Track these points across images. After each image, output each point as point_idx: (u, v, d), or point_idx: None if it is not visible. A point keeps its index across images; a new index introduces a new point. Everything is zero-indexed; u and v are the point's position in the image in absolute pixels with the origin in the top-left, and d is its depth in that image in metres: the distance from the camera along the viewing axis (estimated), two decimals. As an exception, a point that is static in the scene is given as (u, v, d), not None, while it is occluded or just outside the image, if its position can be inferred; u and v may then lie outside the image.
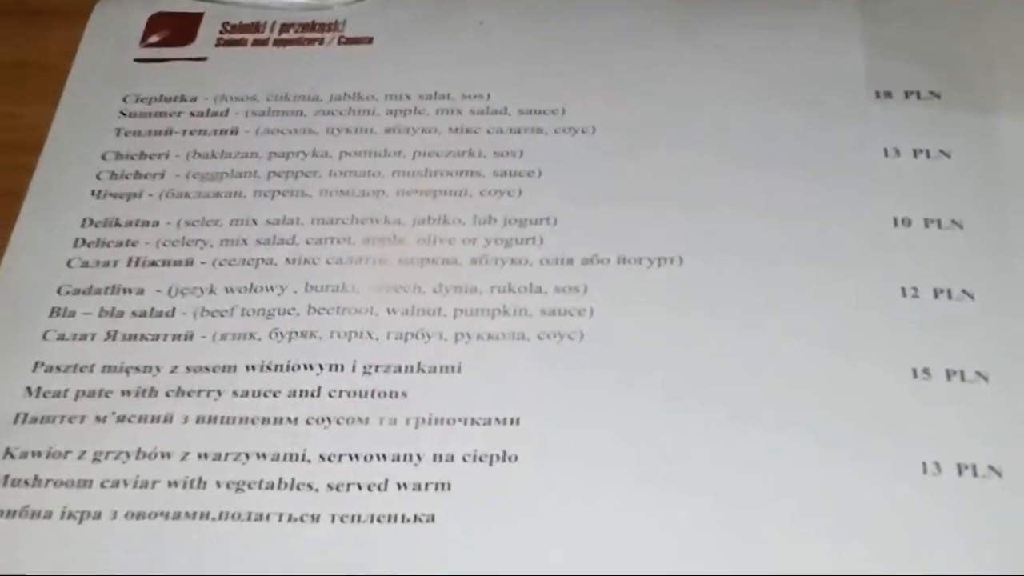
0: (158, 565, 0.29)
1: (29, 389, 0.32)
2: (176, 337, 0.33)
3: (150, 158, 0.37)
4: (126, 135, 0.37)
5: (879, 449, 0.30)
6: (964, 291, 0.32)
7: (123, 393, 0.32)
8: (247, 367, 0.32)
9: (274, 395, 0.32)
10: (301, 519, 0.30)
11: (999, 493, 0.29)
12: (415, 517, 0.30)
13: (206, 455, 0.31)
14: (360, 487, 0.30)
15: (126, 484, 0.31)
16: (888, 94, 0.36)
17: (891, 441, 0.30)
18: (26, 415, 0.32)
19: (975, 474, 0.30)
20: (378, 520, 0.30)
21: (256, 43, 0.39)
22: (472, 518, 0.30)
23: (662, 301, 0.33)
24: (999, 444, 0.30)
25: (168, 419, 0.32)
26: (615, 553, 0.29)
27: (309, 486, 0.30)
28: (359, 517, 0.30)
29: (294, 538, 0.30)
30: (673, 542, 0.29)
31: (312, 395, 0.32)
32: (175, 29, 0.39)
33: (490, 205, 0.35)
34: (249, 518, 0.30)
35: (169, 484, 0.31)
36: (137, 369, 0.33)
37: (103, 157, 0.37)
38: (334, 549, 0.29)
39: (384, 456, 0.31)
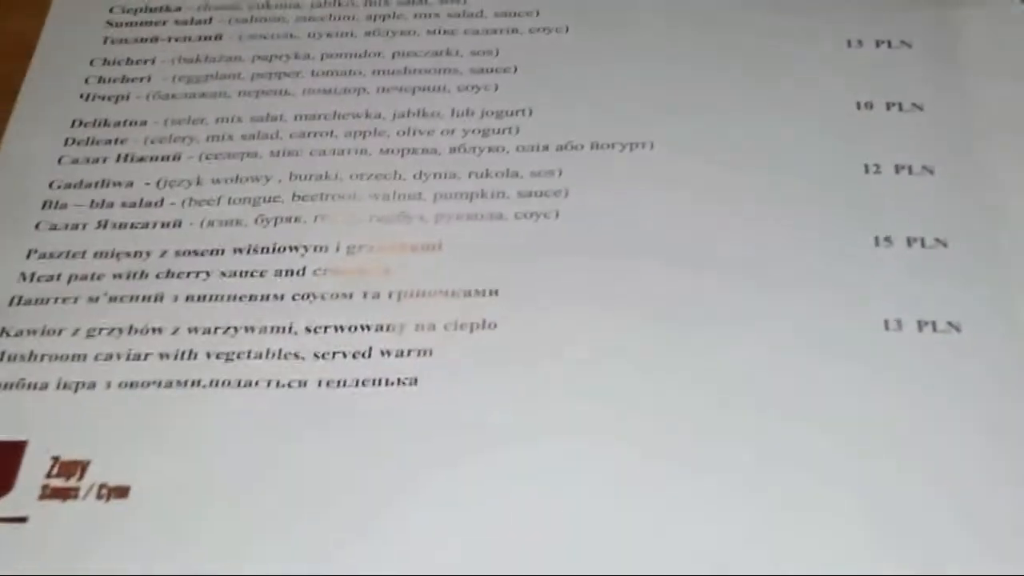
0: (153, 429, 0.30)
1: (23, 275, 0.33)
2: (165, 225, 0.34)
3: (136, 63, 0.38)
4: (113, 43, 0.39)
5: (843, 306, 0.31)
6: (924, 166, 0.34)
7: (114, 276, 0.33)
8: (234, 250, 0.34)
9: (261, 275, 0.33)
10: (289, 385, 0.31)
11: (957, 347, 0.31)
12: (398, 380, 0.31)
13: (196, 329, 0.32)
14: (345, 355, 0.31)
15: (119, 357, 0.32)
16: None
17: (855, 300, 0.31)
18: (20, 298, 0.33)
19: (935, 329, 0.31)
20: (363, 384, 0.31)
21: (238, -46, 0.40)
22: (453, 381, 0.31)
23: (635, 182, 0.34)
24: (958, 303, 0.31)
25: (159, 298, 0.33)
26: (589, 411, 0.30)
27: (296, 355, 0.32)
28: (344, 382, 0.31)
29: (282, 403, 0.31)
30: (641, 391, 0.30)
31: (298, 274, 0.33)
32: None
33: (467, 99, 0.36)
34: (239, 385, 0.31)
35: (161, 356, 0.32)
36: (128, 254, 0.34)
37: (91, 63, 0.38)
38: (321, 412, 0.31)
39: (368, 327, 0.32)
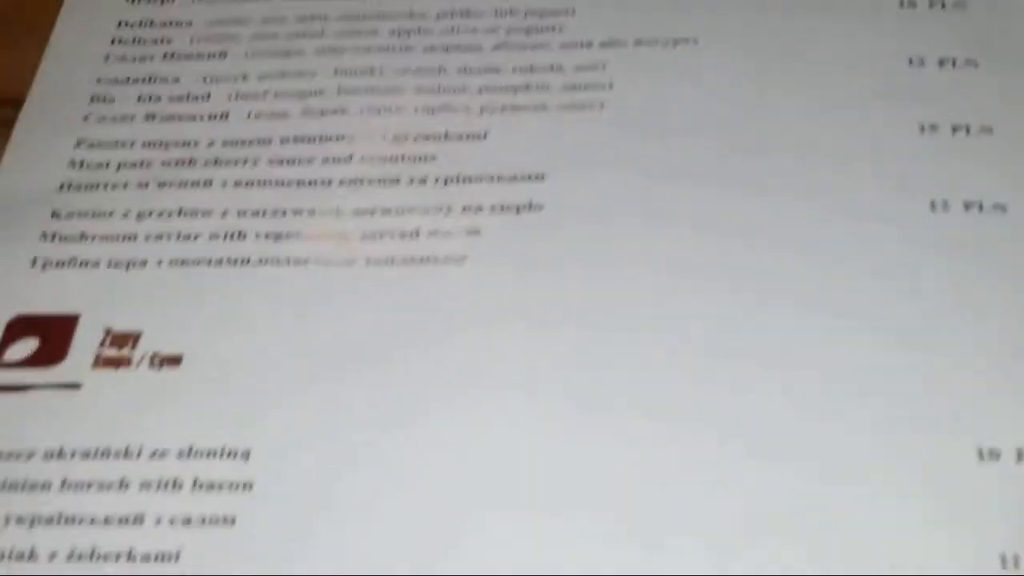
0: (203, 304, 0.31)
1: (72, 162, 0.34)
2: (212, 117, 0.35)
3: (182, -32, 0.38)
4: (158, -51, 0.39)
5: (889, 189, 0.31)
6: (968, 59, 0.34)
7: (163, 164, 0.34)
8: (281, 140, 0.34)
9: (308, 162, 0.33)
10: (337, 263, 0.31)
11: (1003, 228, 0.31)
12: (445, 258, 0.31)
13: (244, 212, 0.32)
14: (392, 236, 0.32)
15: (169, 237, 0.32)
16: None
17: (901, 184, 0.32)
18: (70, 183, 0.33)
19: (981, 210, 0.31)
20: (410, 262, 0.31)
21: None
22: (501, 260, 0.31)
23: (679, 77, 0.34)
24: (1004, 185, 0.31)
25: (207, 183, 0.33)
26: (635, 285, 0.30)
27: (344, 235, 0.32)
28: (392, 260, 0.31)
29: (329, 280, 0.31)
30: (687, 260, 0.30)
31: (344, 161, 0.33)
32: None
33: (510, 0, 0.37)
34: (288, 263, 0.31)
35: (210, 236, 0.32)
36: (176, 144, 0.34)
37: (137, -32, 0.39)
38: (367, 289, 0.31)
39: (415, 209, 0.32)
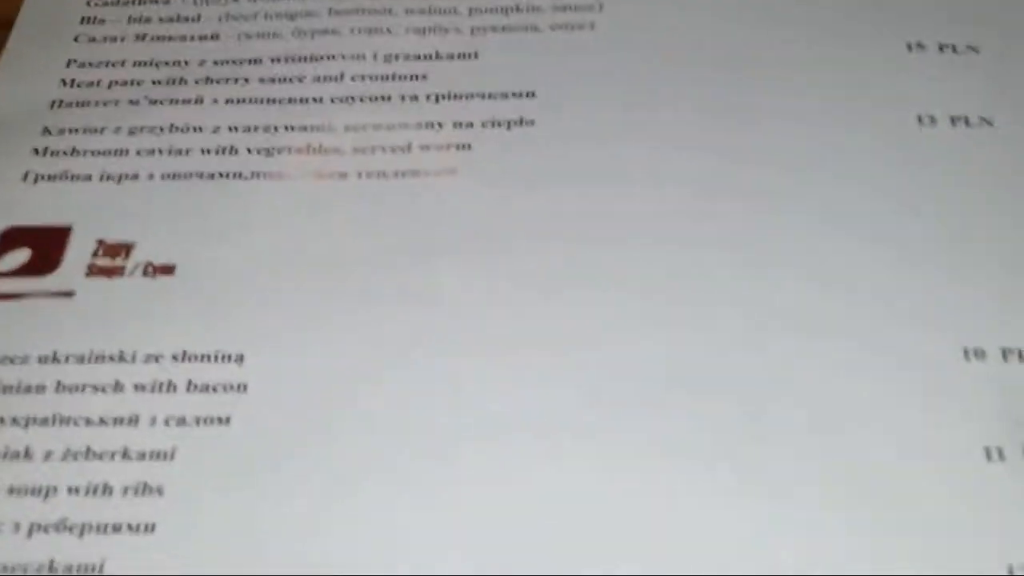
0: (196, 216, 0.31)
1: (63, 81, 0.34)
2: (203, 37, 0.35)
3: None
4: None
5: (876, 104, 0.32)
6: (953, -22, 0.34)
7: (154, 82, 0.34)
8: (272, 59, 0.34)
9: (299, 80, 0.33)
10: (329, 176, 0.31)
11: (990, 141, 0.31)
12: (436, 171, 0.31)
13: (236, 128, 0.32)
14: (384, 150, 0.32)
15: (160, 152, 0.32)
16: None
17: (889, 98, 0.32)
18: (62, 101, 0.33)
19: (967, 124, 0.31)
20: (401, 175, 0.31)
21: None
22: (493, 173, 0.31)
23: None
24: (990, 99, 0.32)
25: (199, 101, 0.33)
26: (625, 193, 0.31)
27: (336, 150, 0.32)
28: (384, 174, 0.31)
29: (322, 193, 0.31)
30: (680, 172, 0.31)
31: (336, 79, 0.33)
32: None
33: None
34: (280, 176, 0.31)
35: (202, 151, 0.32)
36: (167, 63, 0.34)
37: None
38: (359, 200, 0.31)
39: (407, 125, 0.32)
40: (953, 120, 0.31)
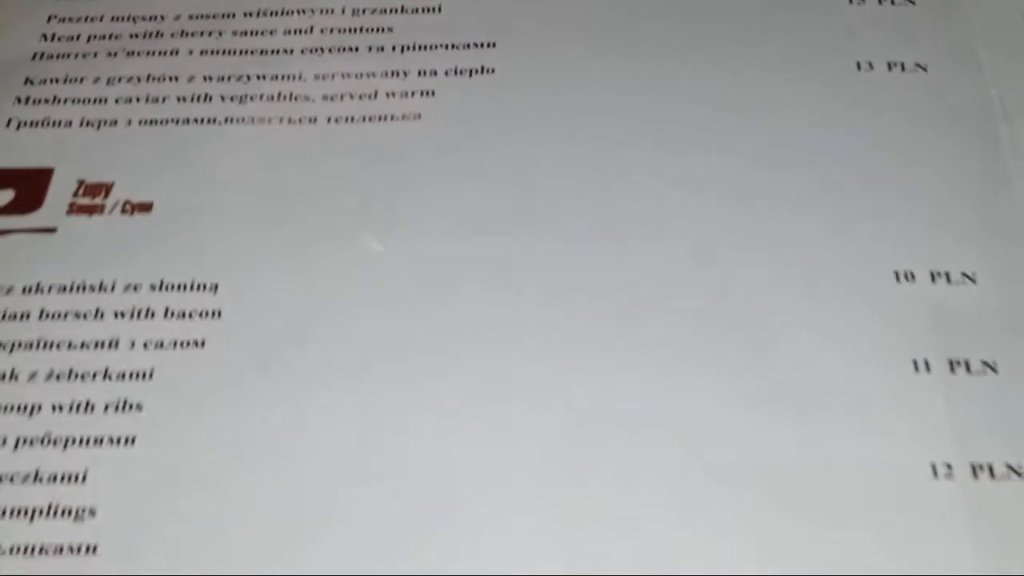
0: (172, 158, 0.32)
1: (44, 35, 0.35)
2: (178, -7, 0.36)
3: None
4: None
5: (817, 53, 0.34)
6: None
7: (131, 36, 0.35)
8: (245, 13, 0.36)
9: (271, 33, 0.35)
10: (299, 121, 0.33)
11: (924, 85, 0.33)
12: (403, 116, 0.33)
13: (211, 77, 0.34)
14: (352, 97, 0.33)
15: (138, 100, 0.34)
16: None
17: (828, 47, 0.34)
18: (43, 53, 0.35)
19: (903, 69, 0.33)
20: (369, 120, 0.33)
21: None
22: (456, 115, 0.33)
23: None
24: (924, 47, 0.34)
25: (174, 52, 0.35)
26: (585, 142, 0.32)
27: (306, 97, 0.33)
28: (351, 119, 0.33)
29: (292, 137, 0.33)
30: (624, 140, 0.32)
31: (305, 32, 0.35)
32: None
33: None
34: (252, 122, 0.33)
35: (178, 99, 0.34)
36: (143, 18, 0.36)
37: None
38: (328, 144, 0.33)
39: (374, 74, 0.34)
40: (889, 66, 0.33)
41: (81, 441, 0.27)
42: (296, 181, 0.32)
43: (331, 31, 0.35)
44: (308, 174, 0.32)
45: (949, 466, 0.26)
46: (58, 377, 0.28)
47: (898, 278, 0.29)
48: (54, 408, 0.28)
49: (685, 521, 0.26)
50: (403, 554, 0.26)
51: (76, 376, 0.28)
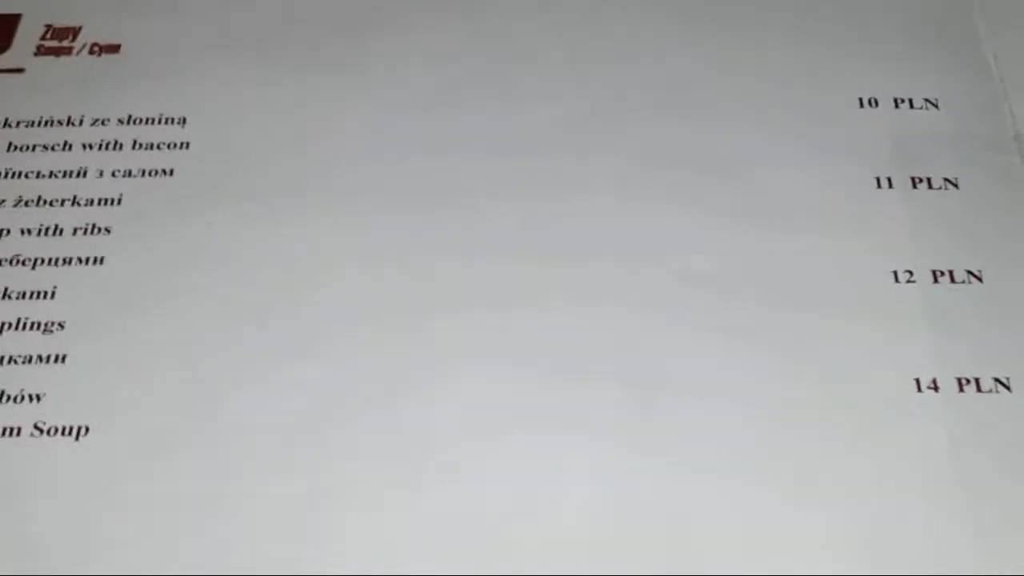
0: (139, 4, 0.32)
1: None
2: None
3: None
4: None
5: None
6: None
7: None
8: None
9: None
10: None
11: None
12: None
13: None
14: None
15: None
16: None
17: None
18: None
19: None
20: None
21: None
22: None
23: None
24: None
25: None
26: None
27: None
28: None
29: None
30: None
31: None
32: None
33: None
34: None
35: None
36: None
37: None
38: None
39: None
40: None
41: (50, 261, 0.27)
42: (260, 18, 0.32)
43: None
44: (271, 11, 0.32)
45: (910, 272, 0.27)
46: (27, 203, 0.28)
47: (862, 104, 0.29)
48: (23, 231, 0.28)
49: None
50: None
51: (45, 202, 0.28)
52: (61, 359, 0.26)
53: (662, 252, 0.27)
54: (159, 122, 0.30)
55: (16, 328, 0.26)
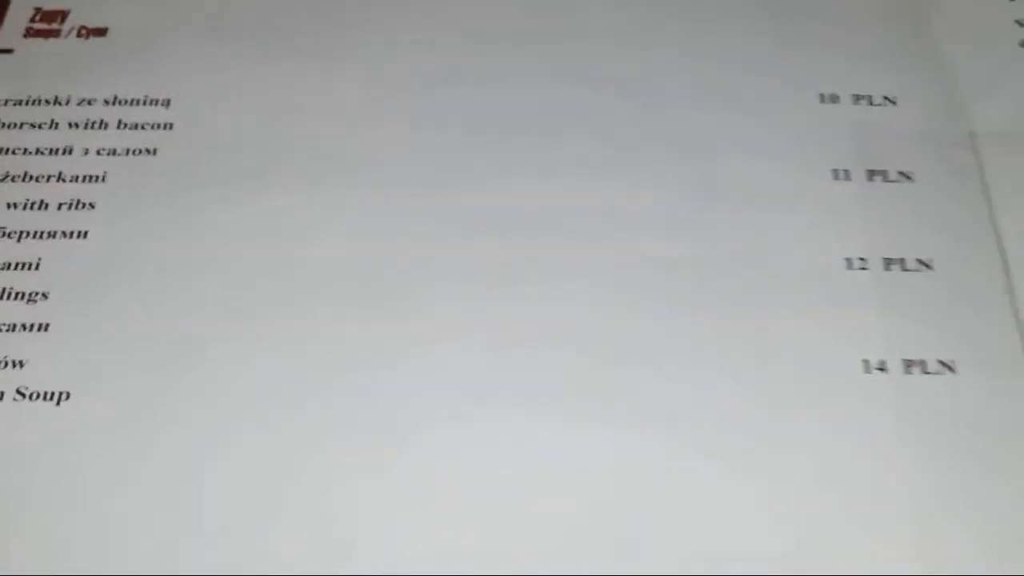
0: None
1: None
2: None
3: None
4: None
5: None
6: None
7: None
8: None
9: None
10: None
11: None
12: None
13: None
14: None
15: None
16: None
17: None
18: None
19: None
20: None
21: None
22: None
23: None
24: None
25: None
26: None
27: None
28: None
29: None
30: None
31: None
32: None
33: None
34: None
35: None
36: None
37: None
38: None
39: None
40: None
41: (35, 234, 0.28)
42: (247, 2, 0.33)
43: None
44: (261, 6, 0.33)
45: (863, 259, 0.28)
46: (12, 179, 0.29)
47: (823, 99, 0.31)
48: (8, 205, 0.29)
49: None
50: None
51: (30, 178, 0.29)
52: (44, 328, 0.27)
53: (631, 232, 0.28)
54: (144, 103, 0.31)
55: (1, 298, 0.27)
